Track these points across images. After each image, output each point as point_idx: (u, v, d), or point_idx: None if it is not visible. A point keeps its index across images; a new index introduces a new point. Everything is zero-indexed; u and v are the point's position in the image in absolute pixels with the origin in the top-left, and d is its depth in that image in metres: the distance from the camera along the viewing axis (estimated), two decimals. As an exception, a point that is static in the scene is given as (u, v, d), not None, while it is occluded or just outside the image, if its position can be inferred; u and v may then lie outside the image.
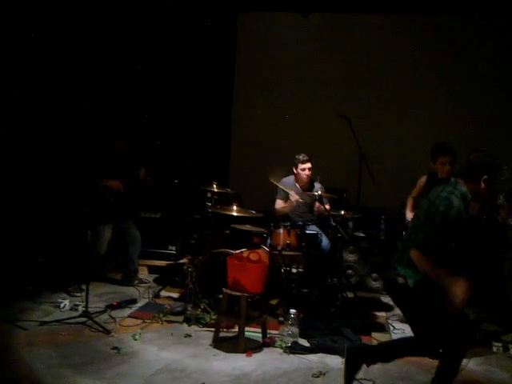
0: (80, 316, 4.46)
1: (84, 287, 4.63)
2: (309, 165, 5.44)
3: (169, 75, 6.87)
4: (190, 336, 4.29)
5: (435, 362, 4.02)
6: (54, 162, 5.60)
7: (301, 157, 5.45)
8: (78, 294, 5.02)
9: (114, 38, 6.28)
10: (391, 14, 6.80)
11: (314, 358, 3.98)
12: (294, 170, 5.51)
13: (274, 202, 5.58)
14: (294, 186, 5.49)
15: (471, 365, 4.06)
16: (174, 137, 6.82)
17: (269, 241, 5.21)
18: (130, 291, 5.40)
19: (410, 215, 4.73)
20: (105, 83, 6.23)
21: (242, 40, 7.29)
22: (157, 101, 6.79)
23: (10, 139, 5.23)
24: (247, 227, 5.29)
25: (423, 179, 4.69)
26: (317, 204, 5.32)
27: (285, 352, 4.08)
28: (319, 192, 5.22)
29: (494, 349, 4.34)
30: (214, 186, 5.13)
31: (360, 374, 3.70)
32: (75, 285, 5.19)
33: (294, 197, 5.25)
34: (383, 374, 3.80)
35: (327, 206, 5.28)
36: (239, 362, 3.89)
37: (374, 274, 5.91)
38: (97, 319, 4.46)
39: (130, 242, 5.60)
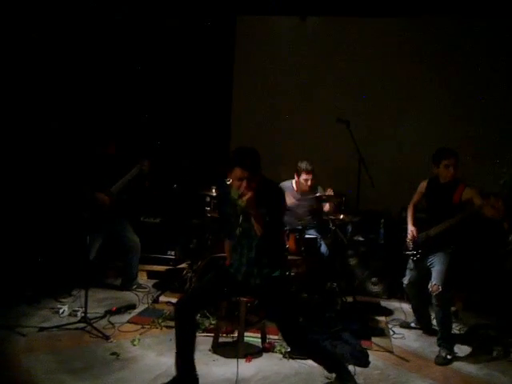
0: (79, 322, 4.45)
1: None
2: (311, 176, 5.34)
3: (169, 77, 6.87)
4: (189, 341, 4.28)
5: (435, 368, 4.05)
6: (50, 169, 5.57)
7: (304, 165, 5.32)
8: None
9: (113, 39, 6.28)
10: (389, 16, 6.78)
11: (314, 363, 3.97)
12: (296, 177, 5.47)
13: None
14: (293, 190, 5.47)
15: (472, 369, 4.06)
16: (172, 139, 6.80)
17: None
18: (129, 296, 5.38)
19: (410, 227, 4.53)
20: (105, 84, 6.22)
21: (241, 43, 7.29)
22: (156, 102, 6.78)
23: (7, 139, 5.21)
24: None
25: (424, 184, 4.61)
26: (327, 205, 5.35)
27: (284, 357, 4.08)
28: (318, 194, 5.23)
29: (495, 353, 4.32)
30: (213, 190, 5.13)
31: (360, 380, 3.72)
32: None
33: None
34: (382, 380, 3.80)
35: (328, 206, 5.29)
36: (239, 368, 3.88)
37: (374, 279, 5.91)
38: (96, 325, 4.44)
39: (129, 248, 5.55)
